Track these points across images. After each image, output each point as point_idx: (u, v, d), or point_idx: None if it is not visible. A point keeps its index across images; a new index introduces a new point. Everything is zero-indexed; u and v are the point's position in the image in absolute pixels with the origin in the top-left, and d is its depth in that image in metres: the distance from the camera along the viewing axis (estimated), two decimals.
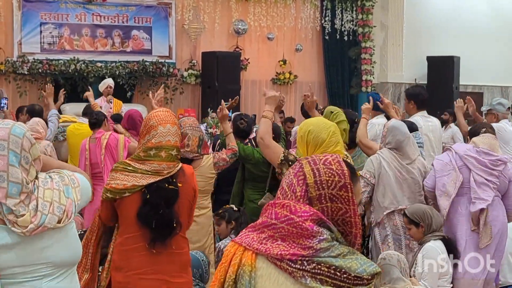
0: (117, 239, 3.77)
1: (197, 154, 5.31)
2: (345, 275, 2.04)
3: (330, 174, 2.16)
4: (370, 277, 2.05)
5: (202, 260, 4.79)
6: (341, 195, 2.15)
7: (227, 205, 5.77)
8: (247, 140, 6.65)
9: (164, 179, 3.65)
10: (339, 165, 2.19)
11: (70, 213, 2.75)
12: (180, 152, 3.84)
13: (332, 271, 2.04)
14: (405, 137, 5.68)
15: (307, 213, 2.10)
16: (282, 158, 4.39)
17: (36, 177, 2.80)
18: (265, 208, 2.20)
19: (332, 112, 6.00)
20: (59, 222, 2.71)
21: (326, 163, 2.18)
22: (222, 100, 6.32)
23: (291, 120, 10.75)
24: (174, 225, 3.65)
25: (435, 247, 4.92)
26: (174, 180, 3.69)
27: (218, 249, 5.49)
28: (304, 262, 2.05)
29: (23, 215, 2.65)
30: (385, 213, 5.60)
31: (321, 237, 2.07)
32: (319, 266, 2.05)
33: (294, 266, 2.06)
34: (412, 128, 6.20)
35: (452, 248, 5.06)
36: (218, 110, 5.99)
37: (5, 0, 12.07)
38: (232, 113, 7.68)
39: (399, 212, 5.52)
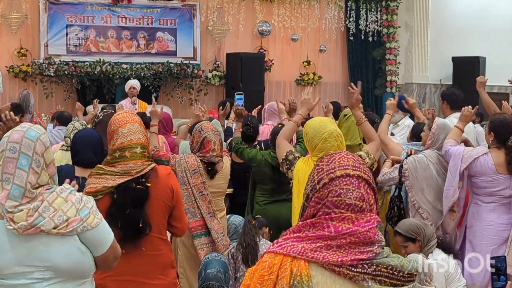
0: None
1: (220, 158, 5.39)
2: (400, 274, 2.13)
3: (369, 171, 2.26)
4: (416, 272, 2.17)
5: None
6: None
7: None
8: (256, 143, 6.70)
9: (133, 179, 3.61)
10: (359, 158, 2.29)
11: (71, 226, 2.74)
12: (147, 148, 3.77)
13: (390, 271, 2.13)
14: (443, 150, 5.60)
15: (369, 222, 2.15)
16: (284, 158, 4.54)
17: (57, 185, 2.82)
18: (315, 222, 2.17)
19: (345, 115, 5.99)
20: (54, 228, 2.71)
21: (359, 162, 2.25)
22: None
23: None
24: (141, 225, 3.60)
25: (435, 262, 4.78)
26: (143, 180, 3.64)
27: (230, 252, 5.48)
28: (365, 265, 2.11)
29: (21, 210, 2.68)
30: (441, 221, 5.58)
31: (380, 244, 2.15)
32: (379, 268, 2.12)
33: (355, 270, 2.11)
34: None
35: (450, 248, 5.01)
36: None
37: (31, 2, 12.21)
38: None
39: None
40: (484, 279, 5.19)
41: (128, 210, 3.58)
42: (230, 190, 6.42)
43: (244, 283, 2.24)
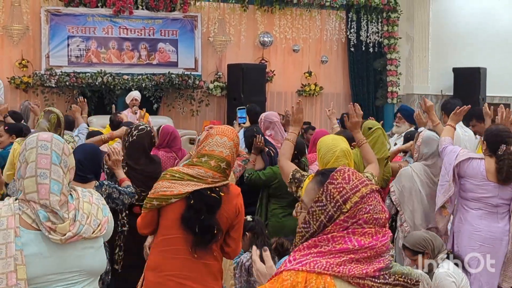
0: (155, 241, 3.87)
1: None
2: (412, 281, 2.18)
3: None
4: (419, 280, 2.22)
5: None
6: None
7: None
8: (267, 149, 6.69)
9: (208, 187, 3.73)
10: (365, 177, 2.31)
11: (103, 228, 2.86)
12: (230, 168, 3.89)
13: (405, 279, 2.17)
14: (436, 149, 5.67)
15: (385, 237, 2.17)
16: (291, 177, 4.59)
17: (74, 189, 2.86)
18: (335, 237, 2.15)
19: (369, 128, 5.93)
20: (93, 233, 2.80)
21: (361, 177, 2.26)
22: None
23: (313, 128, 10.74)
24: (216, 231, 3.72)
25: (446, 273, 4.80)
26: (217, 189, 3.76)
27: (241, 263, 5.46)
28: (386, 276, 2.14)
29: (63, 220, 2.71)
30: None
31: (391, 252, 2.19)
32: (397, 277, 2.15)
33: (378, 281, 2.12)
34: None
35: (459, 260, 5.01)
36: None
37: (33, 14, 12.23)
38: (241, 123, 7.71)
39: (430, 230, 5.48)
40: None
41: (203, 216, 3.69)
42: None
43: None
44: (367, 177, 4.42)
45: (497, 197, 5.31)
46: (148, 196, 3.80)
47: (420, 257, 4.92)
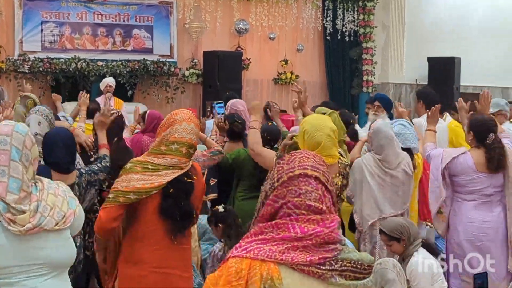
0: (130, 234, 3.83)
1: None
2: (363, 267, 2.19)
3: (329, 172, 2.28)
4: (373, 264, 2.24)
5: None
6: (334, 186, 2.31)
7: (216, 207, 5.78)
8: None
9: (183, 173, 3.78)
10: (321, 158, 2.31)
11: (68, 221, 2.81)
12: (195, 151, 3.98)
13: (354, 265, 2.17)
14: (387, 141, 5.67)
15: (333, 223, 2.18)
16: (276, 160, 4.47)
17: (40, 180, 2.81)
18: (279, 224, 2.17)
19: (323, 113, 5.99)
20: (55, 225, 2.76)
21: (319, 162, 2.27)
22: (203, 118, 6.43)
23: None
24: (195, 215, 3.83)
25: (420, 261, 4.84)
26: (190, 173, 3.83)
27: (213, 253, 5.46)
28: (332, 262, 2.14)
29: (24, 212, 2.68)
30: (369, 222, 5.62)
31: (342, 242, 2.19)
32: (344, 263, 2.16)
33: (323, 268, 2.13)
34: None
35: (432, 250, 5.04)
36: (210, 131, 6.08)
37: None
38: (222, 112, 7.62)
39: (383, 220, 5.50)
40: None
41: (183, 202, 3.75)
42: (214, 195, 6.38)
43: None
44: (340, 153, 4.45)
45: (490, 186, 5.33)
46: (122, 190, 3.70)
47: (395, 243, 4.96)
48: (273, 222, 2.17)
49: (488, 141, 5.27)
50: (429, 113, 5.91)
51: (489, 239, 5.31)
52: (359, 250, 5.66)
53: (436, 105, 5.93)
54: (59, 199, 2.81)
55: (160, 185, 3.69)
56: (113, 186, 3.75)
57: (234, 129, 6.45)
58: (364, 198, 5.69)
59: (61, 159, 4.26)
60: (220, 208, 5.63)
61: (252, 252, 2.14)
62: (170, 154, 3.76)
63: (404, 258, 4.93)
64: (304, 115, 5.16)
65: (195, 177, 3.84)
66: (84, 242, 4.96)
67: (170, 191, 3.71)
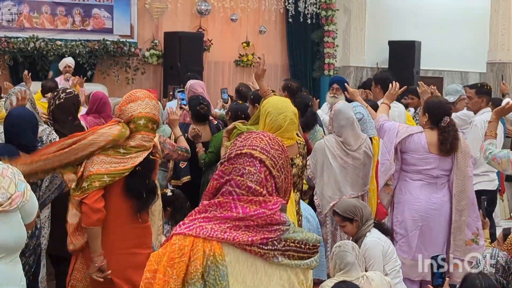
0: None
1: None
2: (307, 246, 2.18)
3: (281, 157, 2.26)
4: (319, 244, 2.23)
5: None
6: (288, 171, 2.29)
7: (164, 190, 5.77)
8: (216, 122, 6.65)
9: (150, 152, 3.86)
10: (277, 141, 2.29)
11: (15, 203, 2.75)
12: (158, 128, 4.09)
13: (298, 245, 2.17)
14: (346, 122, 5.71)
15: (276, 205, 2.17)
16: None
17: None
18: (222, 202, 2.17)
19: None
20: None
21: (272, 146, 2.25)
22: (169, 108, 6.36)
23: None
24: (158, 192, 3.93)
25: (374, 241, 4.92)
26: (153, 151, 3.91)
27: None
28: (275, 242, 2.15)
29: None
30: (330, 204, 5.65)
31: (286, 224, 2.18)
32: (287, 243, 2.16)
33: (266, 248, 2.14)
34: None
35: (384, 230, 5.12)
36: (167, 115, 6.01)
37: None
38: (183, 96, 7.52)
39: None
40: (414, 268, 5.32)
41: (147, 180, 3.83)
42: (187, 178, 6.35)
43: (149, 268, 2.18)
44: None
45: (438, 168, 5.40)
46: (95, 173, 3.67)
47: (348, 223, 5.02)
48: (216, 201, 2.18)
49: (442, 124, 5.34)
50: (392, 89, 5.94)
51: (431, 220, 5.40)
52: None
53: (401, 86, 5.99)
54: (6, 180, 2.77)
55: (133, 167, 3.74)
56: (81, 172, 3.71)
57: (200, 111, 6.41)
58: (326, 179, 5.72)
59: (29, 141, 4.22)
60: (168, 192, 5.63)
61: (194, 230, 2.14)
62: (139, 131, 3.81)
63: (357, 239, 4.99)
64: (260, 90, 5.12)
65: (158, 155, 3.95)
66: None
67: (137, 169, 3.76)
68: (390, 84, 5.99)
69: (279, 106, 4.33)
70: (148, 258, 3.64)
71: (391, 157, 5.45)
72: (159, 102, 4.20)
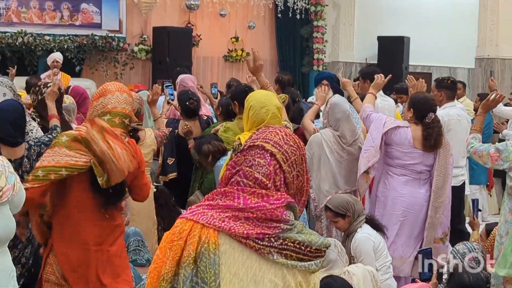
0: (58, 211, 3.68)
1: (140, 124, 5.48)
2: (308, 249, 2.16)
3: (294, 153, 2.26)
4: (325, 248, 2.20)
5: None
6: (302, 168, 2.29)
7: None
8: (206, 117, 6.64)
9: None
10: (294, 138, 2.29)
11: (5, 196, 2.76)
12: (131, 122, 3.89)
13: (297, 246, 2.15)
14: (342, 115, 5.71)
15: (279, 201, 2.17)
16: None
17: None
18: (227, 191, 2.19)
19: None
20: None
21: (287, 141, 2.25)
22: (156, 85, 6.34)
23: None
24: (126, 188, 3.74)
25: (365, 236, 4.93)
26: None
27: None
28: (271, 239, 2.14)
29: None
30: (328, 198, 5.64)
31: (287, 223, 2.17)
32: (286, 242, 2.15)
33: (261, 243, 2.14)
34: None
35: (376, 225, 5.13)
36: (149, 94, 6.05)
37: None
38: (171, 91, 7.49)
39: None
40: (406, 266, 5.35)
41: None
42: (173, 175, 6.34)
43: (160, 246, 2.25)
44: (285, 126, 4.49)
45: (421, 163, 5.43)
46: (53, 165, 3.52)
47: (341, 219, 5.02)
48: (222, 190, 2.21)
49: (427, 120, 5.37)
50: (378, 79, 6.02)
51: (412, 216, 5.44)
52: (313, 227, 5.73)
53: (387, 76, 6.10)
54: None
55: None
56: (41, 160, 3.57)
57: (190, 107, 6.39)
58: (323, 173, 5.71)
59: (8, 134, 4.16)
60: (153, 188, 5.63)
61: (196, 216, 2.18)
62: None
63: (348, 235, 5.01)
64: (260, 83, 5.10)
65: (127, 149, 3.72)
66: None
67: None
68: (376, 75, 6.06)
69: (261, 100, 4.34)
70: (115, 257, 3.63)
71: (376, 145, 5.44)
72: (132, 94, 4.02)
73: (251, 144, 2.25)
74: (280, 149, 2.23)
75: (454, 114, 6.51)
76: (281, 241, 2.14)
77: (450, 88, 6.80)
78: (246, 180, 2.19)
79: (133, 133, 5.27)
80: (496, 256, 4.31)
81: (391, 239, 5.35)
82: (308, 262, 2.16)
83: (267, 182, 2.19)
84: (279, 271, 2.15)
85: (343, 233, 5.15)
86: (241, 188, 2.18)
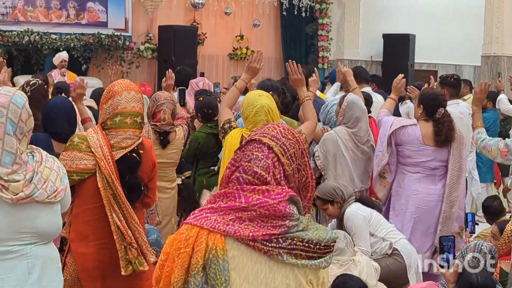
0: (74, 212, 3.70)
1: (172, 127, 5.45)
2: (317, 246, 2.10)
3: (293, 146, 2.22)
4: (334, 243, 2.15)
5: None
6: (303, 162, 2.25)
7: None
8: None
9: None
10: (293, 132, 2.27)
11: (59, 196, 2.87)
12: (143, 120, 3.85)
13: (306, 244, 2.09)
14: (362, 113, 5.74)
15: (280, 195, 2.12)
16: (221, 126, 4.63)
17: (39, 151, 2.89)
18: (228, 192, 2.16)
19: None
20: (46, 198, 2.81)
21: (285, 135, 2.23)
22: (170, 70, 6.41)
23: None
24: (142, 187, 3.74)
25: (353, 211, 5.05)
26: (136, 148, 3.72)
27: None
28: (280, 239, 2.09)
29: (17, 181, 2.72)
30: None
31: (293, 218, 2.11)
32: (294, 241, 2.09)
33: (269, 245, 2.08)
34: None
35: (367, 203, 5.23)
36: (163, 79, 6.22)
37: None
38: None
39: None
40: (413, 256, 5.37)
41: (127, 176, 3.67)
42: (189, 173, 6.37)
43: (164, 250, 2.20)
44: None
45: (435, 160, 5.45)
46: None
47: (329, 205, 5.14)
48: (222, 192, 2.18)
49: (437, 115, 5.40)
50: (395, 81, 6.07)
51: (427, 212, 5.46)
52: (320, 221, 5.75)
53: (402, 78, 6.12)
54: (53, 173, 2.86)
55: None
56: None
57: (206, 112, 6.31)
58: (340, 171, 5.71)
59: (63, 130, 4.25)
60: (178, 181, 5.66)
61: (200, 221, 2.14)
62: (115, 128, 3.67)
63: (341, 219, 5.12)
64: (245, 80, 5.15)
65: (141, 152, 3.74)
66: None
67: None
68: (394, 80, 6.10)
69: (250, 99, 4.47)
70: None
71: (383, 149, 5.49)
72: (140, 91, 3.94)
73: (249, 139, 2.23)
74: (278, 142, 2.20)
75: (457, 112, 6.53)
76: (289, 241, 2.09)
77: (453, 85, 6.84)
78: (246, 175, 2.16)
79: (164, 137, 5.33)
80: None
81: (406, 236, 5.36)
82: (319, 260, 2.11)
83: (266, 175, 2.16)
84: (289, 272, 2.11)
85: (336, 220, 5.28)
86: (241, 187, 2.15)
